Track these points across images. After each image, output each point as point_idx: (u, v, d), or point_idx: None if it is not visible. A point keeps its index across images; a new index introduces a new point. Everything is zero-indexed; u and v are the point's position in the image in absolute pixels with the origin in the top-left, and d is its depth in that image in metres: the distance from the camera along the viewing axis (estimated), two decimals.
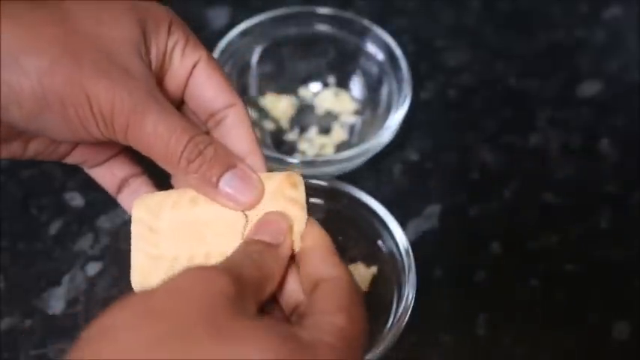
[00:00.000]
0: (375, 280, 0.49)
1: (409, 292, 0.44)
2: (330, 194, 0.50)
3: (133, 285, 0.37)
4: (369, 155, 0.55)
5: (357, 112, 0.61)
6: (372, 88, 0.61)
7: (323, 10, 0.61)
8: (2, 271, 0.51)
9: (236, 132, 0.39)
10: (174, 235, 0.37)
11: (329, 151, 0.59)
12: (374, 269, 0.49)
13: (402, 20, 0.68)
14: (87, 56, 0.35)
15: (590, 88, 0.64)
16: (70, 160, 0.42)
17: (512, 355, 0.49)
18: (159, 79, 0.38)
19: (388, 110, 0.57)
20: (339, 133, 0.60)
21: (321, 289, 0.32)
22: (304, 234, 0.36)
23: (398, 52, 0.58)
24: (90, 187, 0.55)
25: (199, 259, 0.37)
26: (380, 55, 0.60)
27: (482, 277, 0.52)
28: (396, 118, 0.55)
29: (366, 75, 0.61)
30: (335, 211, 0.50)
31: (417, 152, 0.59)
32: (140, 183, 0.43)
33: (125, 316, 0.27)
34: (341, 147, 0.59)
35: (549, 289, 0.52)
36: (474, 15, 0.70)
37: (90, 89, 0.34)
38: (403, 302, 0.44)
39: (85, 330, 0.27)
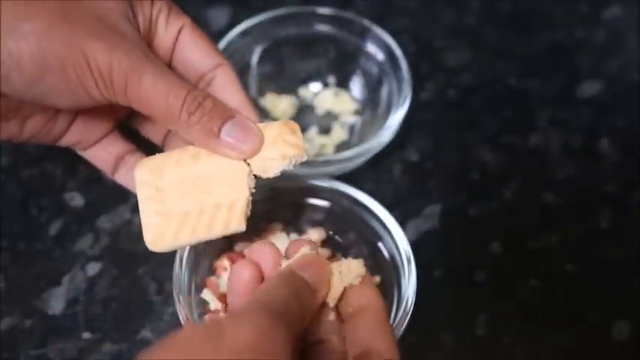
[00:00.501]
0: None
1: (409, 297, 0.44)
2: (332, 195, 0.50)
3: (147, 244, 0.38)
4: (369, 155, 0.55)
5: (357, 112, 0.61)
6: (372, 88, 0.61)
7: (323, 10, 0.61)
8: (2, 271, 0.51)
9: (226, 90, 0.40)
10: (180, 191, 0.38)
11: (329, 151, 0.59)
12: (377, 279, 0.49)
13: (402, 20, 0.68)
14: (82, 20, 0.36)
15: (590, 88, 0.64)
16: (64, 141, 0.43)
17: (512, 355, 0.49)
18: (147, 45, 0.39)
19: (388, 110, 0.57)
20: (339, 133, 0.60)
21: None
22: (358, 292, 0.35)
23: (398, 52, 0.58)
24: (90, 187, 0.56)
25: (210, 211, 0.37)
26: (380, 55, 0.60)
27: (483, 277, 0.52)
28: (396, 118, 0.55)
29: (366, 75, 0.61)
30: (336, 213, 0.50)
31: (417, 152, 0.59)
32: (136, 160, 0.43)
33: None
34: (341, 147, 0.59)
35: (549, 289, 0.52)
36: (474, 15, 0.70)
37: (87, 50, 0.35)
38: (402, 306, 0.44)
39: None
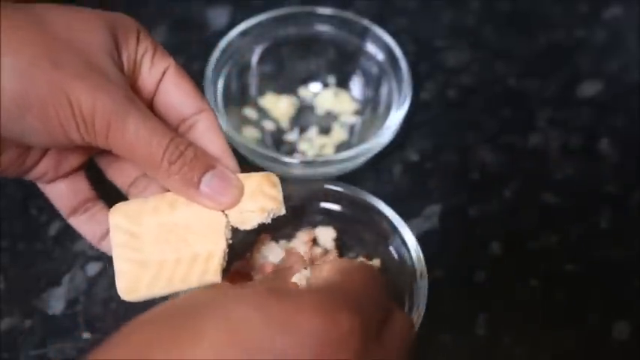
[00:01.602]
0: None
1: (420, 303, 0.44)
2: (342, 199, 0.50)
3: (120, 293, 0.37)
4: (369, 155, 0.55)
5: (357, 112, 0.61)
6: (372, 88, 0.61)
7: (323, 10, 0.61)
8: (2, 271, 0.51)
9: (208, 136, 0.40)
10: (156, 239, 0.37)
11: (329, 152, 0.59)
12: (376, 262, 0.49)
13: (402, 20, 0.68)
14: (65, 59, 0.35)
15: (590, 88, 0.64)
16: (32, 175, 0.41)
17: (512, 355, 0.49)
18: (130, 86, 0.38)
19: (388, 110, 0.57)
20: (339, 133, 0.60)
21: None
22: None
23: (398, 52, 0.58)
24: None
25: (186, 262, 0.37)
26: (380, 55, 0.60)
27: (483, 277, 0.52)
28: (396, 118, 0.55)
29: (366, 75, 0.61)
30: (348, 217, 0.50)
31: (417, 152, 0.59)
32: (99, 209, 0.43)
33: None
34: (341, 147, 0.59)
35: (549, 289, 0.52)
36: (474, 15, 0.70)
37: (71, 92, 0.34)
38: (414, 312, 0.44)
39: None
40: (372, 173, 0.57)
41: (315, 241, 0.51)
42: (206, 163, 0.38)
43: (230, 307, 0.28)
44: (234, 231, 0.38)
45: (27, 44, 0.35)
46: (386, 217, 0.48)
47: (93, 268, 0.52)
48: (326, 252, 0.50)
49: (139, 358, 0.26)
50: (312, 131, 0.60)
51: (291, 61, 0.62)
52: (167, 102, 0.40)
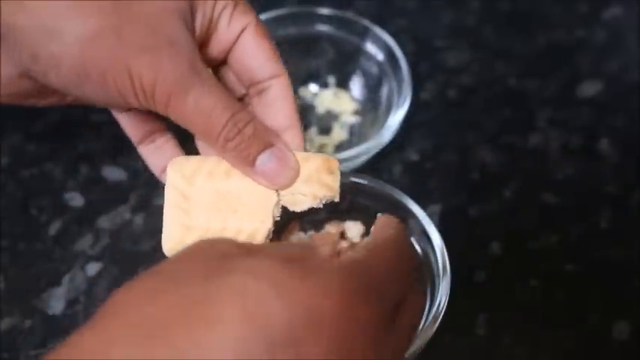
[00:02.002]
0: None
1: (442, 299, 0.44)
2: (370, 193, 0.50)
3: (165, 251, 0.38)
4: (369, 155, 0.55)
5: (357, 112, 0.61)
6: (372, 88, 0.61)
7: (323, 10, 0.61)
8: (2, 271, 0.51)
9: (278, 105, 0.38)
10: (206, 204, 0.38)
11: (329, 151, 0.59)
12: None
13: (402, 20, 0.68)
14: (131, 28, 0.34)
15: (590, 88, 0.64)
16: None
17: (512, 355, 0.49)
18: (203, 43, 0.37)
19: (388, 110, 0.57)
20: (339, 133, 0.60)
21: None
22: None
23: (398, 52, 0.58)
24: (90, 187, 0.56)
25: (230, 234, 0.37)
26: (380, 55, 0.60)
27: (483, 277, 0.52)
28: (396, 118, 0.55)
29: (366, 75, 0.61)
30: (375, 211, 0.50)
31: (417, 152, 0.59)
32: (165, 140, 0.42)
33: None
34: (341, 147, 0.59)
35: (549, 289, 0.52)
36: (474, 15, 0.70)
37: (132, 65, 0.34)
38: (436, 308, 0.44)
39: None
40: (372, 173, 0.57)
41: (342, 235, 0.51)
42: (264, 141, 0.37)
43: (247, 285, 0.26)
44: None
45: (94, 12, 0.34)
46: (411, 212, 0.48)
47: (93, 268, 0.52)
48: (353, 246, 0.50)
49: (147, 345, 0.25)
50: (312, 131, 0.60)
51: (291, 61, 0.61)
52: (242, 62, 0.38)
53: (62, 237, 0.53)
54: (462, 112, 0.63)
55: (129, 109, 0.41)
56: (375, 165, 0.57)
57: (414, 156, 0.59)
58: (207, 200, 0.38)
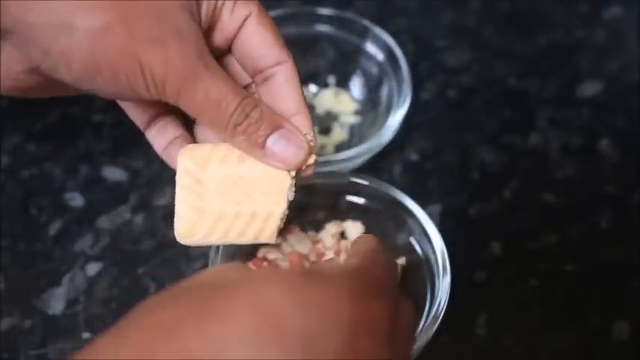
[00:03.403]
0: (405, 280, 0.49)
1: (442, 300, 0.44)
2: (369, 193, 0.50)
3: (177, 235, 0.38)
4: (369, 155, 0.55)
5: (357, 112, 0.61)
6: (372, 88, 0.61)
7: (323, 10, 0.61)
8: (2, 271, 0.51)
9: (284, 91, 0.39)
10: (220, 189, 0.38)
11: (329, 151, 0.59)
12: (402, 260, 0.49)
13: (402, 20, 0.68)
14: (140, 21, 0.34)
15: (590, 88, 0.64)
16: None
17: (512, 355, 0.49)
18: (207, 32, 0.38)
19: (388, 110, 0.57)
20: (339, 133, 0.60)
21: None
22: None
23: (398, 52, 0.58)
24: (90, 187, 0.56)
25: (245, 218, 0.37)
26: (380, 55, 0.60)
27: (483, 277, 0.52)
28: (396, 118, 0.55)
29: (366, 75, 0.61)
30: (374, 211, 0.50)
31: (417, 152, 0.59)
32: (169, 120, 0.42)
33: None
34: (341, 147, 0.59)
35: (549, 289, 0.52)
36: (474, 15, 0.70)
37: (143, 58, 0.34)
38: (435, 308, 0.44)
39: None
40: (372, 173, 0.57)
41: (342, 234, 0.51)
42: (273, 123, 0.37)
43: (262, 288, 0.26)
44: None
45: (103, 7, 0.34)
46: (411, 212, 0.48)
47: (93, 268, 0.52)
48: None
49: (155, 342, 0.25)
50: None
51: None
52: (245, 51, 0.39)
53: (62, 237, 0.53)
54: (462, 112, 0.63)
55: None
56: (375, 165, 0.57)
57: (414, 156, 0.59)
58: (220, 184, 0.38)
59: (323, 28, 0.61)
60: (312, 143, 0.38)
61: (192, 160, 0.38)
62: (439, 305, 0.44)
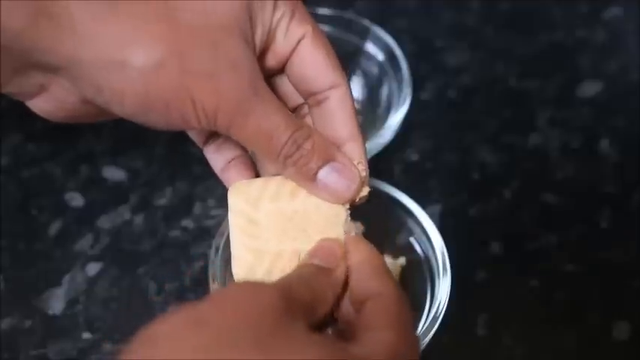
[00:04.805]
0: (405, 280, 0.49)
1: (442, 299, 0.44)
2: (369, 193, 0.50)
3: (235, 277, 0.37)
4: (369, 155, 0.55)
5: (357, 112, 0.61)
6: (372, 88, 0.61)
7: (323, 11, 0.61)
8: (2, 271, 0.51)
9: (337, 116, 0.38)
10: (275, 227, 0.37)
11: None
12: (402, 260, 0.49)
13: (402, 20, 0.68)
14: (192, 54, 0.33)
15: (590, 89, 0.64)
16: None
17: (512, 355, 0.49)
18: (260, 55, 0.37)
19: (388, 110, 0.57)
20: None
21: (368, 306, 0.32)
22: (350, 250, 0.35)
23: (398, 52, 0.58)
24: (90, 187, 0.56)
25: (303, 256, 0.36)
26: (380, 55, 0.60)
27: (483, 277, 0.52)
28: (396, 118, 0.55)
29: (366, 75, 0.61)
30: (374, 211, 0.50)
31: (417, 152, 0.59)
32: (225, 139, 0.41)
33: (170, 325, 0.27)
34: None
35: (549, 289, 0.52)
36: (474, 15, 0.70)
37: (195, 93, 0.33)
38: (434, 309, 0.44)
39: (132, 339, 0.27)
40: (372, 173, 0.57)
41: None
42: (325, 155, 0.36)
43: None
44: None
45: (156, 40, 0.33)
46: (411, 212, 0.48)
47: (93, 268, 0.52)
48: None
49: None
50: None
51: None
52: (299, 73, 0.37)
53: (62, 237, 0.53)
54: (462, 112, 0.63)
55: None
56: (375, 165, 0.57)
57: (414, 156, 0.59)
58: (275, 223, 0.37)
59: (323, 28, 0.60)
60: (364, 173, 0.37)
61: (244, 200, 0.37)
62: (439, 305, 0.44)
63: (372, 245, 0.36)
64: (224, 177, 0.40)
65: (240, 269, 0.37)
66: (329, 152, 0.36)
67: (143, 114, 0.34)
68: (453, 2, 0.70)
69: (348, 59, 0.61)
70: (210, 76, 0.33)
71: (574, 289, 0.52)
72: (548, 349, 0.49)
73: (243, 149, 0.40)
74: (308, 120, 0.39)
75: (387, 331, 0.31)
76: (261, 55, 0.37)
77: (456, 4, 0.70)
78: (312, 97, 0.38)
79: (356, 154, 0.38)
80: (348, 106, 0.38)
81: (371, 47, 0.60)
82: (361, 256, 0.35)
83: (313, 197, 0.37)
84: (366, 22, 0.60)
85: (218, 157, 0.40)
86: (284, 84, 0.39)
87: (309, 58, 0.37)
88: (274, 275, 0.36)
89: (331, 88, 0.37)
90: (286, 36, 0.37)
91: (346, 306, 0.34)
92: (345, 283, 0.34)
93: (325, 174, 0.36)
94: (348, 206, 0.37)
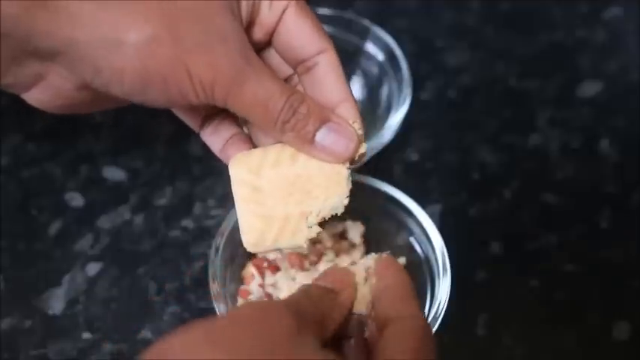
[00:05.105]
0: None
1: (442, 299, 0.44)
2: (369, 193, 0.50)
3: (246, 245, 0.38)
4: (369, 155, 0.55)
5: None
6: (372, 88, 0.61)
7: (323, 11, 0.61)
8: (2, 271, 0.51)
9: (328, 79, 0.38)
10: (279, 192, 0.37)
11: None
12: (402, 260, 0.49)
13: (402, 20, 0.68)
14: (185, 29, 0.34)
15: (590, 89, 0.64)
16: None
17: (512, 355, 0.49)
18: (247, 28, 0.37)
19: (388, 110, 0.57)
20: None
21: (389, 329, 0.33)
22: (380, 271, 0.36)
23: (398, 52, 0.58)
24: (90, 187, 0.56)
25: (312, 218, 0.37)
26: (380, 55, 0.60)
27: (483, 277, 0.52)
28: (396, 118, 0.55)
29: (366, 75, 0.61)
30: (374, 211, 0.50)
31: (417, 152, 0.59)
32: (221, 119, 0.41)
33: (185, 341, 0.27)
34: None
35: (549, 289, 0.52)
36: (474, 15, 0.70)
37: (191, 66, 0.34)
38: (434, 309, 0.44)
39: (144, 353, 0.27)
40: (372, 173, 0.57)
41: (342, 235, 0.51)
42: (320, 117, 0.37)
43: None
44: None
45: (148, 18, 0.34)
46: (411, 212, 0.48)
47: (93, 268, 0.52)
48: (353, 246, 0.51)
49: None
50: None
51: None
52: (286, 43, 0.38)
53: (62, 237, 0.53)
54: (462, 112, 0.63)
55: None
56: (375, 165, 0.57)
57: (414, 156, 0.59)
58: (279, 188, 0.37)
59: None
60: (360, 132, 0.38)
61: (246, 169, 0.38)
62: (439, 305, 0.44)
63: (403, 268, 0.37)
64: (223, 156, 0.41)
65: (251, 236, 0.37)
66: (324, 114, 0.37)
67: (142, 91, 0.35)
68: (453, 2, 0.70)
69: (348, 59, 0.61)
70: (204, 48, 0.34)
71: (574, 289, 0.52)
72: (548, 349, 0.49)
73: (239, 127, 0.41)
74: (300, 89, 0.39)
75: (402, 355, 0.31)
76: (248, 28, 0.38)
77: (456, 4, 0.70)
78: (301, 65, 0.39)
79: (350, 114, 0.38)
80: (337, 69, 0.39)
81: (371, 47, 0.60)
82: (389, 280, 0.36)
83: (313, 160, 0.38)
84: (366, 22, 0.60)
85: (215, 139, 0.41)
86: (272, 56, 0.40)
87: (295, 27, 0.38)
88: (284, 238, 0.37)
89: (319, 53, 0.38)
90: (271, 7, 0.38)
91: (372, 326, 0.35)
92: (351, 305, 0.35)
93: (323, 135, 0.37)
94: (348, 164, 0.38)
